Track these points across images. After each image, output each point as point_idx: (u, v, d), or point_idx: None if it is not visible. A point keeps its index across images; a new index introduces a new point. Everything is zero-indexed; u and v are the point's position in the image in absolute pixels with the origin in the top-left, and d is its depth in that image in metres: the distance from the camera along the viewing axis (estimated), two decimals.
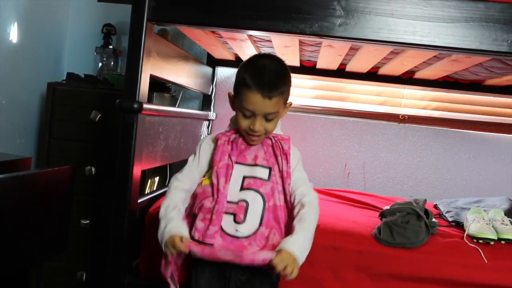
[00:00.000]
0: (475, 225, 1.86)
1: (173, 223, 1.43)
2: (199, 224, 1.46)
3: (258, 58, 1.51)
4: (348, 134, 2.97)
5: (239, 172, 1.49)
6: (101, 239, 2.36)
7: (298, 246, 1.38)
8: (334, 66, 2.73)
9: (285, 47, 2.27)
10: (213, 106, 2.95)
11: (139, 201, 1.79)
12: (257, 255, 1.35)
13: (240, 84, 1.44)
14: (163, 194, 2.07)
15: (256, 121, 1.43)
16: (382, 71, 2.71)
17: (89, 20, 2.97)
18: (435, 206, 2.43)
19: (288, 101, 1.52)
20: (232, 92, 1.52)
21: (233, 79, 2.90)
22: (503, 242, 1.82)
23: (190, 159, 1.58)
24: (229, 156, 1.50)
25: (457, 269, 1.72)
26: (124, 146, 1.66)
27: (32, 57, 2.61)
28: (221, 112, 2.93)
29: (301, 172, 1.56)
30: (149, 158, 1.83)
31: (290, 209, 1.51)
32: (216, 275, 1.49)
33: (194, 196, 1.53)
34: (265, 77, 1.41)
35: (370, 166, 2.96)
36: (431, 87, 2.88)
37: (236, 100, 1.48)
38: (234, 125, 1.53)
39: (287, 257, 1.34)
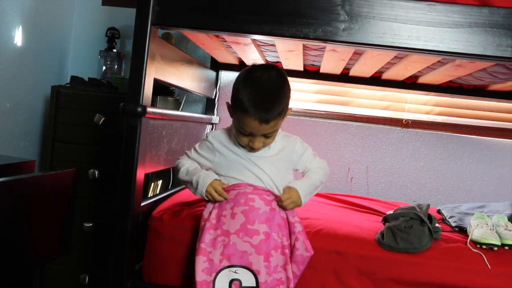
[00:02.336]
0: (478, 231, 1.86)
1: (202, 173, 1.57)
2: None
3: (256, 73, 1.48)
4: (351, 139, 2.97)
5: None
6: (104, 242, 2.36)
7: (303, 188, 1.56)
8: (337, 70, 2.74)
9: (289, 52, 2.28)
10: (217, 109, 2.95)
11: (142, 204, 1.79)
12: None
13: (237, 105, 1.44)
14: (167, 197, 2.08)
15: (255, 140, 1.45)
16: (386, 75, 2.70)
17: (93, 23, 2.98)
18: (438, 211, 2.42)
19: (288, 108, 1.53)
20: (230, 102, 1.52)
21: None
22: (506, 247, 1.81)
23: None
24: None
25: (460, 275, 1.71)
26: (128, 149, 1.66)
27: (36, 61, 2.62)
28: (225, 116, 2.93)
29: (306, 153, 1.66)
30: (153, 162, 1.84)
31: None
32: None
33: None
34: (262, 101, 1.40)
35: (373, 170, 2.96)
36: (435, 92, 2.88)
37: (234, 116, 1.48)
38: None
39: (295, 194, 1.53)
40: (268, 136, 1.46)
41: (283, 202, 1.51)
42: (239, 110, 1.42)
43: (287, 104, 1.49)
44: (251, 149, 1.49)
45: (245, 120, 1.41)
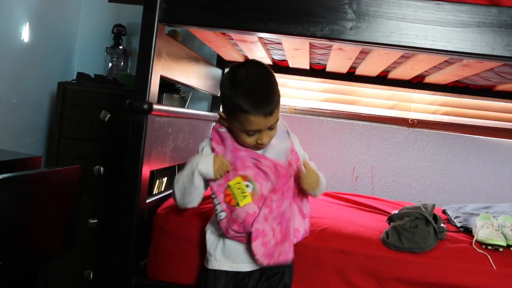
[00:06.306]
0: (484, 231, 1.85)
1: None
2: None
3: (240, 73, 1.44)
4: (357, 138, 2.96)
5: None
6: (109, 238, 2.37)
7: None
8: (344, 69, 2.73)
9: (295, 50, 2.27)
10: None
11: (147, 201, 1.80)
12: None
13: (236, 110, 1.40)
14: (172, 194, 2.08)
15: (263, 135, 1.43)
16: (392, 75, 2.70)
17: (99, 20, 2.99)
18: (444, 211, 2.42)
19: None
20: (221, 112, 1.48)
21: None
22: None
23: None
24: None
25: (465, 275, 1.70)
26: (133, 146, 1.66)
27: (43, 57, 2.63)
28: None
29: None
30: (158, 159, 1.84)
31: None
32: (232, 279, 1.53)
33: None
34: (260, 97, 1.39)
35: (378, 170, 2.95)
36: (441, 92, 2.87)
37: (234, 122, 1.44)
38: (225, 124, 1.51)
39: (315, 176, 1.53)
40: (272, 128, 1.44)
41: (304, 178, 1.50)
42: (240, 113, 1.39)
43: (278, 90, 1.46)
44: (259, 146, 1.47)
45: (249, 121, 1.39)
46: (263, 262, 1.44)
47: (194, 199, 1.51)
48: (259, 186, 1.45)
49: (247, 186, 1.45)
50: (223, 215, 1.47)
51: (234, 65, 1.49)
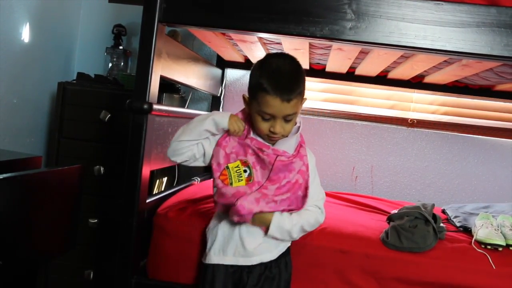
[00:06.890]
0: (483, 231, 1.85)
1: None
2: None
3: (272, 59, 1.47)
4: (357, 138, 2.97)
5: None
6: (109, 238, 2.37)
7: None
8: (343, 69, 2.73)
9: (295, 50, 2.27)
10: (222, 107, 2.95)
11: (147, 201, 1.80)
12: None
13: (257, 88, 1.42)
14: (171, 194, 2.09)
15: (276, 123, 1.43)
16: (392, 75, 2.70)
17: (99, 20, 2.99)
18: (443, 211, 2.42)
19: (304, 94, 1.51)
20: (246, 95, 1.50)
21: (242, 80, 2.91)
22: (511, 248, 1.81)
23: None
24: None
25: (464, 275, 1.70)
26: (133, 146, 1.66)
27: (43, 57, 2.63)
28: None
29: None
30: (158, 159, 1.84)
31: None
32: (231, 276, 1.54)
33: None
34: (282, 81, 1.40)
35: (378, 169, 2.96)
36: (441, 92, 2.87)
37: (253, 103, 1.45)
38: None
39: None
40: (288, 120, 1.44)
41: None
42: (259, 91, 1.40)
43: (304, 87, 1.47)
44: (272, 135, 1.47)
45: (266, 100, 1.40)
46: (242, 211, 1.44)
47: (189, 144, 1.50)
48: (256, 173, 1.48)
49: (245, 171, 1.48)
50: (214, 189, 1.51)
51: (270, 53, 1.54)
